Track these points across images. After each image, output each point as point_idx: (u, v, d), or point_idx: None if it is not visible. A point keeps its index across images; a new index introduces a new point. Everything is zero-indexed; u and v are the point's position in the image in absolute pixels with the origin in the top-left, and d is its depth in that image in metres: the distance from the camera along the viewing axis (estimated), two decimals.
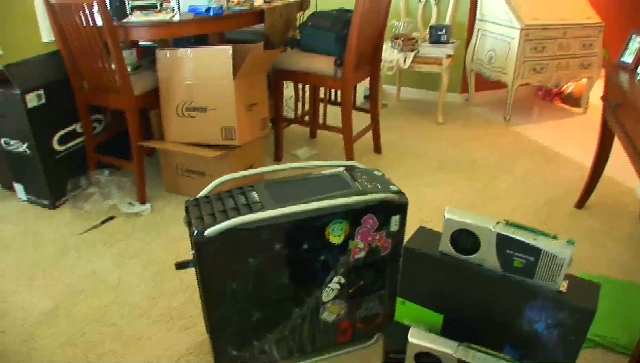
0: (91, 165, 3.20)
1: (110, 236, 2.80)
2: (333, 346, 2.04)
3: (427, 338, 1.47)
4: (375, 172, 1.96)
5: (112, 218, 2.94)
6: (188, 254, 2.33)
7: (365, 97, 4.89)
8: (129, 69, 2.88)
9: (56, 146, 3.02)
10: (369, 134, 3.88)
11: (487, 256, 1.38)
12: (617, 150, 2.77)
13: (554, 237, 1.32)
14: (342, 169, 1.99)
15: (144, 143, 2.96)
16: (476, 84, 5.04)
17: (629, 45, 2.72)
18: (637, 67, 2.57)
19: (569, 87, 5.15)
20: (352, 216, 1.75)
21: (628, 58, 2.69)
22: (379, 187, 1.82)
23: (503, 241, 1.34)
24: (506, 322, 1.41)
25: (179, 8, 2.88)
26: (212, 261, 1.66)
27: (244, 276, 1.73)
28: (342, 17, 3.32)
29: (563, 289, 1.33)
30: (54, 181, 3.04)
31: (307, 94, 4.14)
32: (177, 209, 3.03)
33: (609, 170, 3.11)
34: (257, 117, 3.07)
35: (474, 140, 4.24)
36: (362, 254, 1.84)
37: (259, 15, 3.23)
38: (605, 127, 2.90)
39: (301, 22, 3.51)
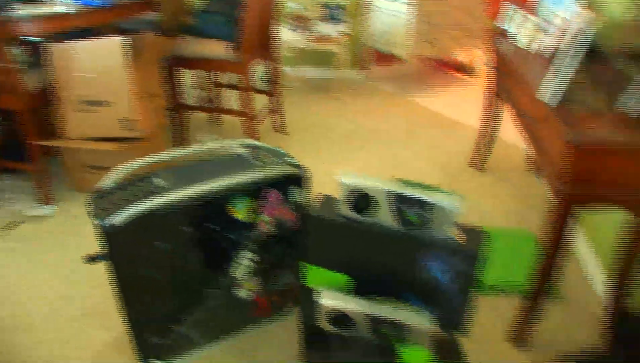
0: None
1: (17, 242, 2.71)
2: (252, 322, 2.09)
3: (338, 298, 1.55)
4: (275, 148, 2.02)
5: (17, 223, 2.84)
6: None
7: (264, 79, 4.92)
8: (19, 66, 2.79)
9: None
10: (273, 116, 3.93)
11: (384, 215, 1.47)
12: (505, 111, 2.94)
13: (443, 191, 1.42)
14: (243, 148, 2.03)
15: (39, 142, 2.88)
16: (374, 59, 5.18)
17: (506, 13, 2.88)
18: (514, 33, 2.73)
19: (462, 57, 5.38)
20: (255, 191, 1.80)
21: (506, 25, 2.86)
22: (279, 162, 1.88)
23: (397, 199, 1.43)
24: (408, 274, 1.51)
25: None
26: (122, 250, 1.67)
27: (156, 262, 1.74)
28: (235, 1, 3.34)
29: (454, 237, 1.44)
30: None
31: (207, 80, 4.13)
32: (84, 207, 2.97)
33: (505, 133, 3.32)
34: (157, 107, 3.05)
35: (374, 113, 4.37)
36: (270, 228, 1.90)
37: (150, 3, 3.19)
38: (492, 91, 3.08)
39: (194, 8, 3.50)
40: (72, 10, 2.74)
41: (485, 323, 2.13)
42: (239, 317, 2.04)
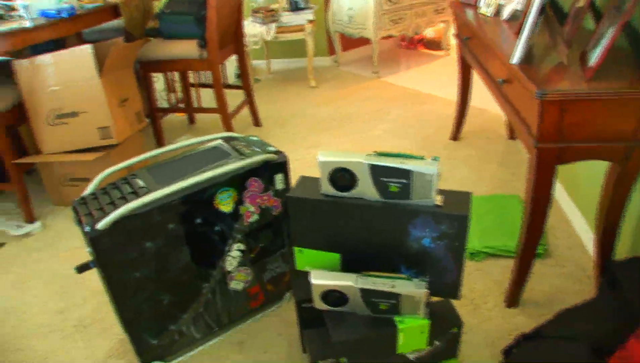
0: None
1: (3, 262, 2.69)
2: (248, 313, 2.10)
3: (328, 276, 1.56)
4: (252, 137, 2.03)
5: (1, 244, 2.82)
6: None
7: (237, 75, 4.92)
8: None
9: None
10: (247, 110, 3.93)
11: (365, 188, 1.48)
12: (478, 81, 2.97)
13: (421, 158, 1.44)
14: (220, 141, 2.03)
15: (19, 160, 2.86)
16: (342, 44, 5.19)
17: None
18: (477, 2, 2.76)
19: (429, 33, 5.41)
20: (237, 182, 1.81)
21: None
22: (257, 150, 1.89)
23: (376, 171, 1.44)
24: (396, 245, 1.53)
25: (28, 14, 2.76)
26: (110, 255, 1.67)
27: (146, 263, 1.75)
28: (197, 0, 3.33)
29: (439, 203, 1.46)
30: None
31: (178, 81, 4.12)
32: (68, 221, 2.96)
33: (475, 101, 3.34)
34: (131, 112, 3.04)
35: (348, 97, 4.39)
36: (255, 217, 1.91)
37: (114, 10, 3.17)
38: (463, 61, 3.11)
39: (158, 10, 3.49)
40: (29, 24, 2.70)
41: (479, 288, 2.17)
42: (235, 309, 2.04)
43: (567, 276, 2.18)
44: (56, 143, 2.86)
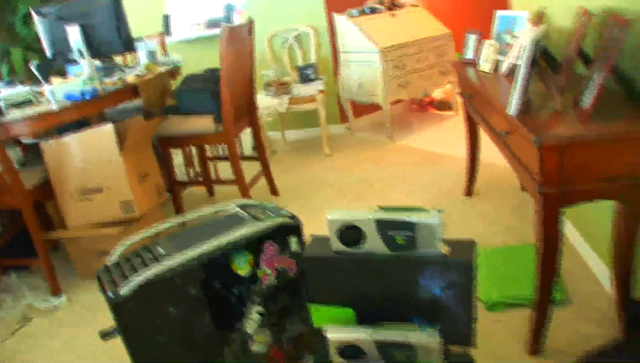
0: None
1: (31, 338, 2.76)
2: None
3: (344, 331, 1.60)
4: (267, 203, 2.11)
5: (29, 318, 2.90)
6: None
7: (254, 147, 5.06)
8: (16, 166, 2.91)
9: None
10: (265, 180, 4.04)
11: (374, 243, 1.55)
12: (486, 137, 3.05)
13: (424, 210, 1.50)
14: (236, 208, 2.12)
15: (48, 236, 2.98)
16: (354, 111, 5.33)
17: (468, 43, 3.04)
18: (477, 60, 2.87)
19: (438, 95, 5.55)
20: (253, 246, 1.88)
21: (470, 54, 3.00)
22: (272, 215, 1.97)
23: (382, 225, 1.51)
24: (407, 296, 1.57)
25: (54, 97, 2.93)
26: (134, 320, 1.73)
27: (168, 328, 1.80)
28: (212, 76, 3.50)
29: (444, 252, 1.51)
30: None
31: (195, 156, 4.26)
32: (95, 294, 3.01)
33: (485, 156, 3.42)
34: (152, 186, 3.16)
35: (363, 162, 4.48)
36: (273, 279, 1.96)
37: (134, 90, 3.34)
38: (469, 118, 3.20)
39: (175, 88, 3.66)
40: (55, 107, 2.85)
41: (498, 339, 2.17)
42: None
43: (588, 320, 2.18)
44: (81, 217, 2.99)
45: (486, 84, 2.51)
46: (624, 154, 1.60)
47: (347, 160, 4.63)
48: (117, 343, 1.78)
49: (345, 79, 5.08)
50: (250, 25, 3.60)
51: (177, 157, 4.31)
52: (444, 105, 5.54)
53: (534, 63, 1.85)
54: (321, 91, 4.62)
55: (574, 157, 1.61)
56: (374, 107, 5.12)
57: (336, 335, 1.59)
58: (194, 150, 4.32)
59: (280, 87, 4.64)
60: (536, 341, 2.03)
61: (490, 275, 2.51)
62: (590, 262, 2.53)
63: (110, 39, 3.21)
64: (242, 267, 1.88)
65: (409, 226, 1.48)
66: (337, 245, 1.59)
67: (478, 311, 1.87)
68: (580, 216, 2.62)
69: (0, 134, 2.76)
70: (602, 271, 2.39)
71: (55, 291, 3.05)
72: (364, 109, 5.35)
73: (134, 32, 3.36)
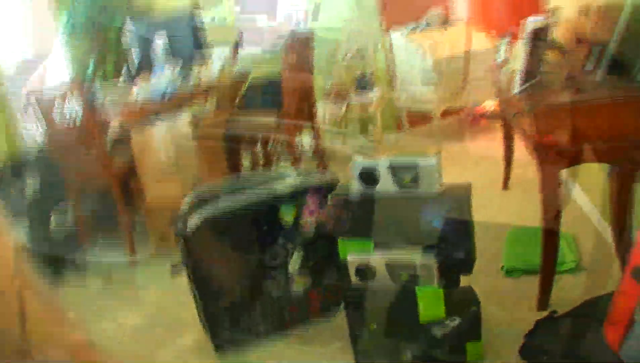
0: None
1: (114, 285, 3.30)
2: (308, 318, 2.48)
3: (360, 255, 1.98)
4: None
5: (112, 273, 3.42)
6: None
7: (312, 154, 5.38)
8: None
9: None
10: None
11: (386, 183, 1.93)
12: None
13: (426, 155, 1.88)
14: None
15: (128, 209, 3.50)
16: (409, 120, 5.63)
17: (500, 46, 3.34)
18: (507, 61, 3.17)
19: (489, 106, 5.80)
20: (298, 198, 2.28)
21: (502, 56, 3.30)
22: (317, 174, 2.38)
23: (393, 169, 1.90)
24: (413, 228, 1.94)
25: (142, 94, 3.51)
26: (195, 253, 2.16)
27: (224, 262, 2.23)
28: (274, 83, 3.93)
29: (441, 189, 1.88)
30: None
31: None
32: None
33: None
34: (219, 170, 3.65)
35: None
36: (313, 230, 2.35)
37: (208, 92, 3.82)
38: (505, 122, 3.55)
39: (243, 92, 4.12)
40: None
41: (513, 298, 2.41)
42: (296, 312, 2.44)
43: (599, 285, 2.30)
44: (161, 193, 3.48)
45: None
46: (607, 117, 1.91)
47: None
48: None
49: (400, 88, 5.41)
50: (310, 35, 4.02)
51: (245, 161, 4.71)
52: (496, 116, 5.77)
53: (535, 48, 2.19)
54: (377, 100, 4.96)
55: (566, 121, 1.93)
56: (427, 116, 5.41)
57: (354, 257, 1.97)
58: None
59: (339, 95, 5.02)
60: (545, 295, 2.23)
61: (515, 246, 2.78)
62: (604, 231, 2.67)
63: (189, 47, 3.74)
64: (287, 214, 2.28)
65: (413, 167, 1.86)
66: (358, 185, 1.97)
67: (497, 277, 2.31)
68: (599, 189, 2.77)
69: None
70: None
71: (133, 253, 3.57)
72: (417, 117, 5.64)
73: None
